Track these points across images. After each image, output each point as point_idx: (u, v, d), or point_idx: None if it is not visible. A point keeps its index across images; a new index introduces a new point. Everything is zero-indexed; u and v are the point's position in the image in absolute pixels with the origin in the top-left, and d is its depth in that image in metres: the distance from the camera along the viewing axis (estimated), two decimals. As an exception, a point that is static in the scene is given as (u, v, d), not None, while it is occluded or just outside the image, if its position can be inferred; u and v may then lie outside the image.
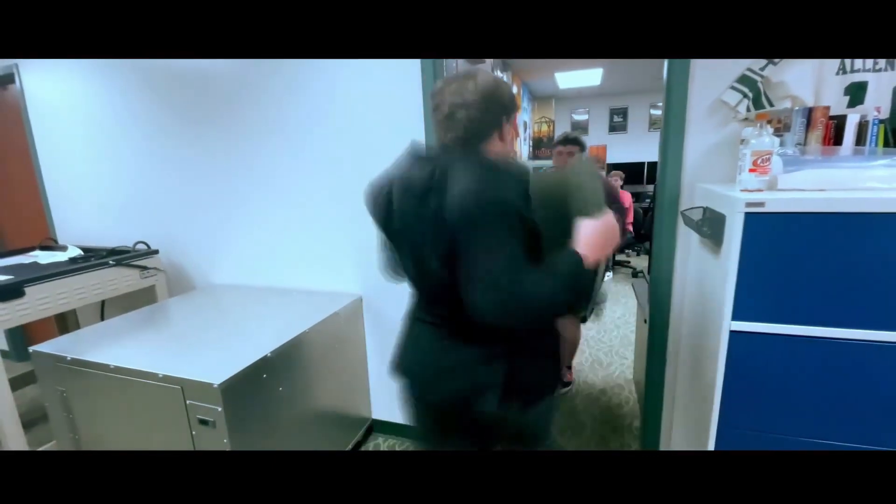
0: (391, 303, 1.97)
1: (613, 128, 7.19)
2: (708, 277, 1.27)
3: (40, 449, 1.83)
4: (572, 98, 7.10)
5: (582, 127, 7.32)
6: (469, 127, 0.89)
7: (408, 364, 1.07)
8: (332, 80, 1.82)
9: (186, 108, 2.13)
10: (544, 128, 7.06)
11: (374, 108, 1.79)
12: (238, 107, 2.02)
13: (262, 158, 2.04)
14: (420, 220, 0.88)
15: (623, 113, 7.02)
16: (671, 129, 1.43)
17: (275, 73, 1.90)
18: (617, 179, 5.03)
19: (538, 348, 1.00)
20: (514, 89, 5.02)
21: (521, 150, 5.86)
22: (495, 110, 0.91)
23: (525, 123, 6.06)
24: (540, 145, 7.16)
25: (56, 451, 1.65)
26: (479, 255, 0.78)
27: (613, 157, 7.09)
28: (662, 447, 1.72)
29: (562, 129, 7.38)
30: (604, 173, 6.43)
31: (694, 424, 1.40)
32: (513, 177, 0.83)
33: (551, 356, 1.04)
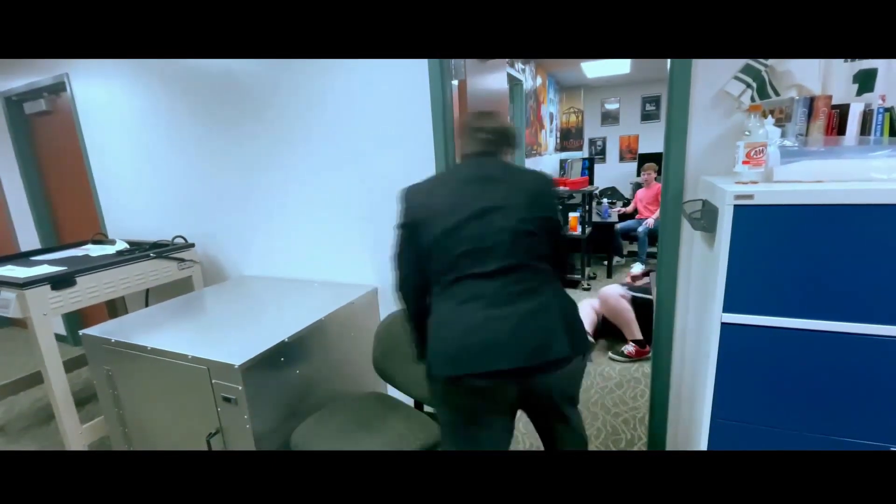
0: (405, 293, 2.06)
1: (647, 116, 6.98)
2: (705, 270, 1.28)
3: (90, 423, 2.03)
4: (602, 87, 6.95)
5: (613, 116, 7.15)
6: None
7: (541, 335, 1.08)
8: (351, 82, 1.91)
9: (220, 112, 2.28)
10: (573, 118, 6.95)
11: (388, 108, 1.86)
12: (266, 109, 2.14)
13: (289, 158, 2.16)
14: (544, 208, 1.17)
15: (656, 101, 6.80)
16: (674, 120, 1.43)
17: (300, 76, 2.01)
18: (650, 173, 4.83)
19: None
20: (539, 81, 4.98)
21: (548, 141, 5.80)
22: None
23: (551, 115, 5.99)
24: (568, 136, 7.06)
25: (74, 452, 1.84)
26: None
27: (646, 146, 6.90)
28: (669, 438, 1.73)
29: (592, 118, 7.23)
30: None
31: (693, 417, 1.41)
32: None
33: None
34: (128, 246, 2.41)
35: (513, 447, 1.72)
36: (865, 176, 1.03)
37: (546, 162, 5.68)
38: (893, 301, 0.95)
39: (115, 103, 2.58)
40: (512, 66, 3.74)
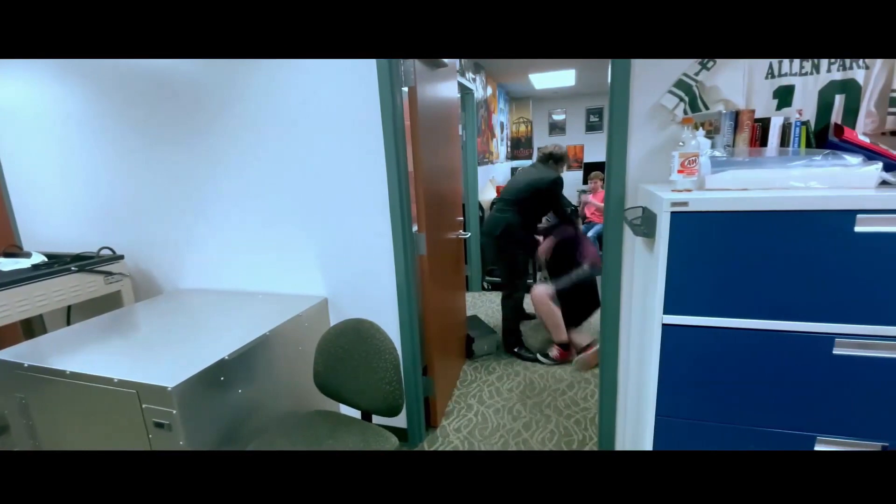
0: (356, 303, 2.00)
1: (591, 127, 7.30)
2: (647, 273, 1.33)
3: None
4: (549, 98, 7.19)
5: (560, 127, 7.42)
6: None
7: (491, 225, 2.95)
8: (297, 86, 1.84)
9: (152, 114, 2.13)
10: (522, 128, 7.14)
11: (335, 113, 1.82)
12: (204, 113, 2.03)
13: (229, 162, 2.05)
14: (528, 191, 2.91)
15: (599, 113, 7.12)
16: (615, 131, 1.48)
17: (241, 79, 1.92)
18: (596, 182, 5.07)
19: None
20: (490, 91, 5.07)
21: (499, 150, 5.91)
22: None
23: (502, 124, 6.11)
24: (518, 145, 7.23)
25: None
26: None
27: (591, 156, 7.20)
28: (618, 437, 1.78)
29: (540, 129, 7.47)
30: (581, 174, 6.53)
31: (640, 416, 1.46)
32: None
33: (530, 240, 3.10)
34: (46, 259, 2.19)
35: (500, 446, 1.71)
36: (785, 184, 1.11)
37: (498, 170, 5.78)
38: (812, 299, 1.03)
39: (33, 102, 2.35)
40: (462, 75, 3.78)
